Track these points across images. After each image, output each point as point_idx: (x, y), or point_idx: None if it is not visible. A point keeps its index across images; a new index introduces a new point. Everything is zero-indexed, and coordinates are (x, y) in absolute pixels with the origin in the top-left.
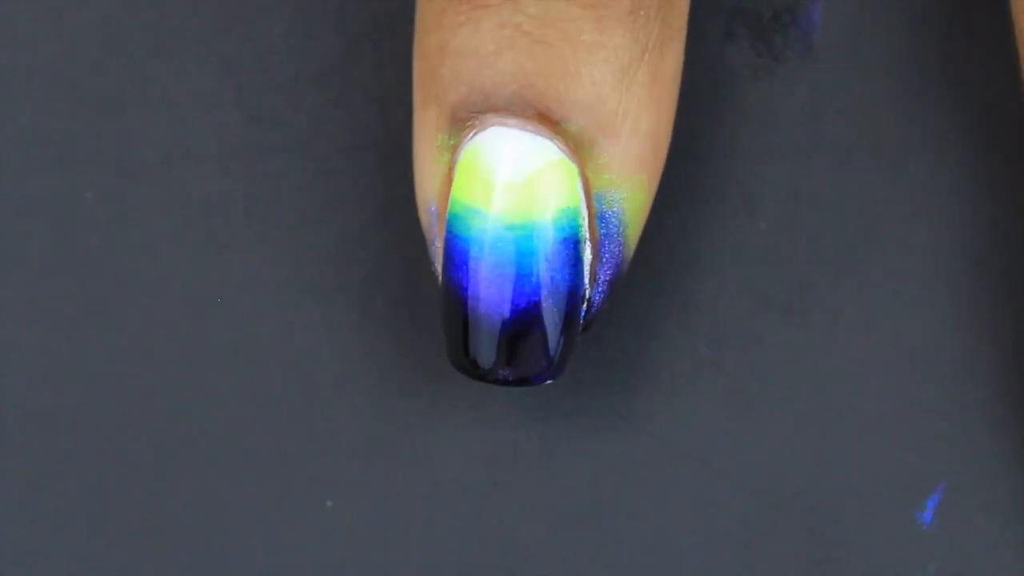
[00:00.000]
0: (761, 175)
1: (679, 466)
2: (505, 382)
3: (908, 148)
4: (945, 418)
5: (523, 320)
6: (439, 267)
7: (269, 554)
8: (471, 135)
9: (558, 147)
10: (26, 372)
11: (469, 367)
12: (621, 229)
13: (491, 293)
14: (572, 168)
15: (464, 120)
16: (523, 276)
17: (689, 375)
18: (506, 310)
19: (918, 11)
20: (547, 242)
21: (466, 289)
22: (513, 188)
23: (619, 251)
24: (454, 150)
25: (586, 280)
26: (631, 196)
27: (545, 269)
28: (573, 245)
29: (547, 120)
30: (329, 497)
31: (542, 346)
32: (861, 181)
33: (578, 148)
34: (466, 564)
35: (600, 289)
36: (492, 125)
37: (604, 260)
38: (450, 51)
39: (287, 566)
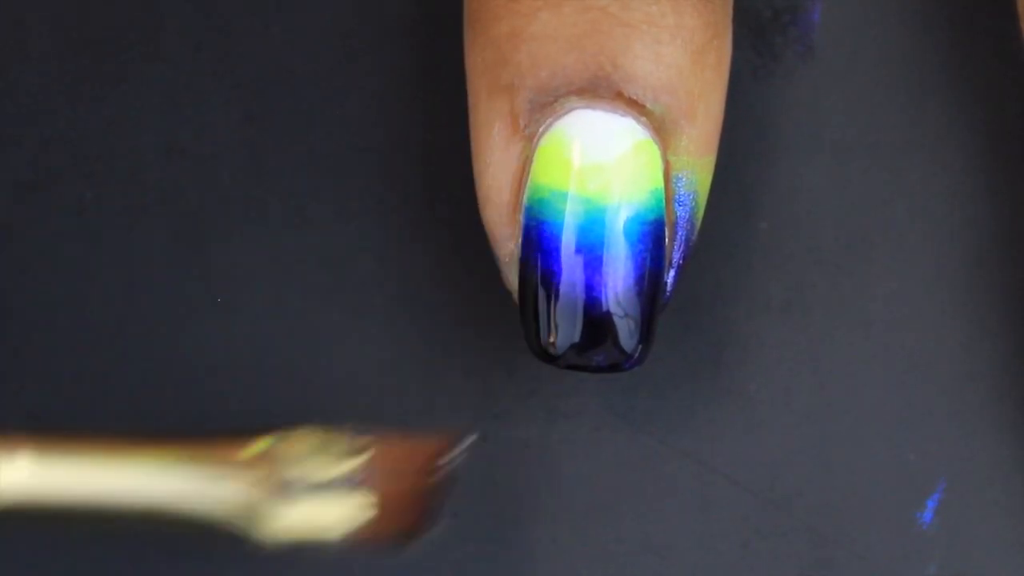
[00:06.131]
0: (761, 175)
1: (679, 466)
2: (597, 369)
3: (908, 148)
4: (945, 418)
5: (618, 303)
6: (509, 257)
7: (269, 555)
8: (552, 120)
9: (644, 128)
10: (26, 372)
11: (559, 355)
12: (694, 211)
13: (583, 277)
14: (656, 149)
15: (542, 106)
16: (616, 258)
17: (689, 375)
18: (600, 294)
19: (918, 11)
20: (638, 223)
21: (557, 275)
22: (602, 170)
23: (691, 233)
24: (531, 137)
25: (665, 262)
26: (702, 178)
27: (638, 251)
28: (660, 226)
29: (632, 102)
30: None
31: (634, 330)
32: (861, 181)
33: (660, 130)
34: (466, 564)
35: (674, 272)
36: (576, 108)
37: (678, 242)
38: (527, 37)
39: (287, 566)
